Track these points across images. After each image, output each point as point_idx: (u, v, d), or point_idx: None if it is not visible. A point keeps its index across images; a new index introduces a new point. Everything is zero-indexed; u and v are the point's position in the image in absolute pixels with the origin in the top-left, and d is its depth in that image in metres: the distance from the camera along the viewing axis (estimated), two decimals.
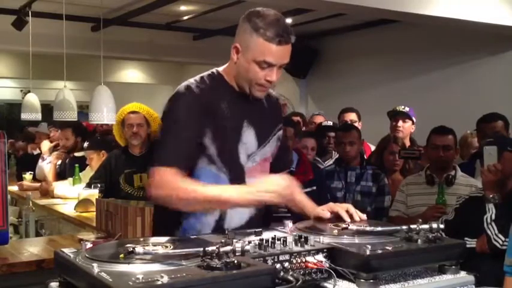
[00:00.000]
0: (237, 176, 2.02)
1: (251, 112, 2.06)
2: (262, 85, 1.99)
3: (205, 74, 2.08)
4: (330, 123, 4.90)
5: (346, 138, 3.92)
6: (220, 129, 1.99)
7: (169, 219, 2.03)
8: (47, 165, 5.73)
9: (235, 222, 2.03)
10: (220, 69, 2.09)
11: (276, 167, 2.21)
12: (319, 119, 5.45)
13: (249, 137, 2.05)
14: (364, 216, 1.99)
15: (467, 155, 4.48)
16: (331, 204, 2.07)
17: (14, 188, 5.58)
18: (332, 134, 4.63)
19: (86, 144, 5.19)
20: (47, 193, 5.18)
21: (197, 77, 2.06)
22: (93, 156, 4.94)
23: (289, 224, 1.89)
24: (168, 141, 1.96)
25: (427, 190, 3.57)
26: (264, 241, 1.61)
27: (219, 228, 1.98)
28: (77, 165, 5.02)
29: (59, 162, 5.71)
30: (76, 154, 5.33)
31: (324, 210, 2.03)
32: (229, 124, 2.01)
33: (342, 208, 2.00)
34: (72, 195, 4.69)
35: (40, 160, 6.04)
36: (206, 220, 2.01)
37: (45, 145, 6.04)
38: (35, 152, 6.88)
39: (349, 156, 3.91)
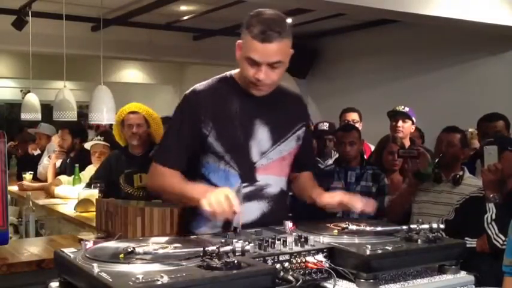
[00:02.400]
0: (247, 173, 2.09)
1: (265, 111, 2.11)
2: (253, 83, 2.02)
3: (217, 76, 2.17)
4: (326, 126, 4.87)
5: (347, 138, 3.92)
6: (227, 126, 2.07)
7: (188, 209, 2.19)
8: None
9: (245, 217, 2.04)
10: (234, 72, 2.15)
11: (295, 167, 2.26)
12: None
13: (262, 134, 2.10)
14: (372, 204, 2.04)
15: (467, 155, 4.47)
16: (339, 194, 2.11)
17: (14, 188, 5.57)
18: (329, 136, 4.63)
19: (99, 136, 5.17)
20: (51, 193, 5.15)
21: (208, 80, 2.16)
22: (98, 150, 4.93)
23: (289, 224, 1.89)
24: (163, 141, 2.24)
25: (434, 187, 3.56)
26: (264, 241, 1.61)
27: (228, 222, 1.97)
28: (76, 165, 5.01)
29: (59, 162, 5.71)
30: (85, 145, 5.31)
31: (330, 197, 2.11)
32: (239, 122, 2.07)
33: (350, 200, 2.05)
34: (72, 195, 4.68)
35: (46, 159, 6.02)
36: None
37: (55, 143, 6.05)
38: (35, 152, 6.88)
39: (349, 156, 3.91)
